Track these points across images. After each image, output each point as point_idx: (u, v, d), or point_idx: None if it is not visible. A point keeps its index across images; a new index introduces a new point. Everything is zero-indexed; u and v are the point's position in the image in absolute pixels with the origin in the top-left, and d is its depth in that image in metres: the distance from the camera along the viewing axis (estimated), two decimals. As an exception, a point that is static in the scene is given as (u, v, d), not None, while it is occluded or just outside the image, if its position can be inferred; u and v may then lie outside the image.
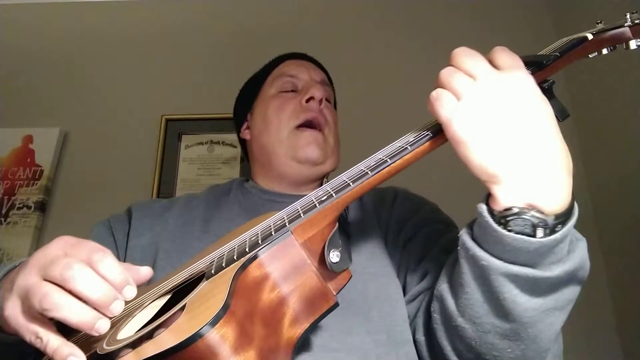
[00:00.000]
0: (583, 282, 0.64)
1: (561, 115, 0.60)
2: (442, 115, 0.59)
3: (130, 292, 0.55)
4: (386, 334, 0.78)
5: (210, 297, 0.52)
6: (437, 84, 0.62)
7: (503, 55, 0.61)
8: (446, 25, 2.19)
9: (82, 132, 2.10)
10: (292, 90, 1.09)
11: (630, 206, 1.61)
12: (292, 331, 0.57)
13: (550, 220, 0.56)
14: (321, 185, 1.09)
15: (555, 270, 0.58)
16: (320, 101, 1.06)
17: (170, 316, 0.54)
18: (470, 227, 0.65)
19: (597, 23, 0.69)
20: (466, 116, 0.58)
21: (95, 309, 0.52)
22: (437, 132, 0.62)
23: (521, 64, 0.60)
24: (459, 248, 0.65)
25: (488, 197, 0.61)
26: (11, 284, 0.56)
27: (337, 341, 0.75)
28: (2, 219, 1.92)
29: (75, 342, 0.57)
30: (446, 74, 0.61)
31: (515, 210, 0.56)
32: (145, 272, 0.64)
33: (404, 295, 0.85)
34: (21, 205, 1.94)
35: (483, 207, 0.60)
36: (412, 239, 0.89)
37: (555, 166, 0.57)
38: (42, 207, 1.94)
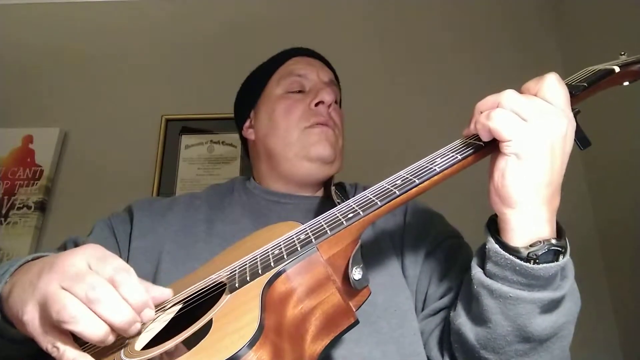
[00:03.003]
0: (578, 293, 0.69)
1: (583, 144, 0.63)
2: (506, 130, 0.60)
3: (149, 315, 0.55)
4: (395, 345, 0.79)
5: (239, 314, 0.52)
6: (501, 101, 0.62)
7: (559, 88, 0.63)
8: (447, 32, 2.20)
9: (82, 132, 2.09)
10: (300, 91, 1.07)
11: (630, 205, 1.63)
12: (313, 347, 0.57)
13: (564, 244, 0.63)
14: (325, 188, 1.09)
15: (565, 287, 0.64)
16: (329, 105, 1.06)
17: (195, 330, 0.54)
18: (480, 265, 0.69)
19: (621, 54, 0.71)
20: (530, 136, 0.60)
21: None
22: (466, 155, 0.64)
23: (568, 101, 0.63)
24: (475, 287, 0.67)
25: (490, 230, 0.66)
26: (31, 285, 0.56)
27: (346, 350, 0.75)
28: (2, 219, 1.92)
29: (90, 350, 0.58)
30: (514, 97, 0.62)
31: (542, 245, 0.61)
32: (164, 294, 0.64)
33: (424, 308, 0.86)
34: (21, 205, 1.93)
35: (497, 247, 0.64)
36: (433, 253, 0.90)
37: (558, 197, 0.64)
38: (42, 207, 1.94)
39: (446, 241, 0.92)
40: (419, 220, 0.97)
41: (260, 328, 0.48)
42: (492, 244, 0.65)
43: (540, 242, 0.61)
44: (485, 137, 0.64)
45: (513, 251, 0.62)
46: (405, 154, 1.84)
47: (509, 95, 0.62)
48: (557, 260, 0.62)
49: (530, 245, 0.62)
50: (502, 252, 0.63)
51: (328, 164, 1.03)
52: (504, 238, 0.64)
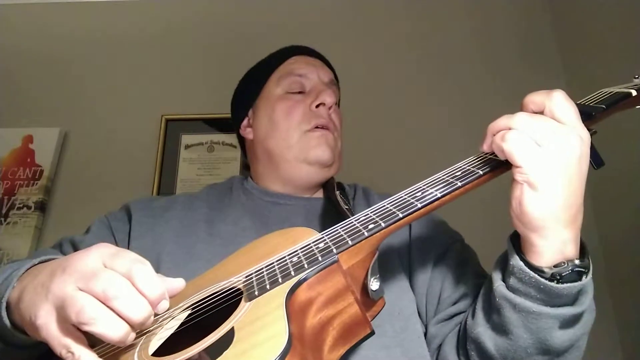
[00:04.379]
0: (594, 304, 0.69)
1: (596, 163, 0.64)
2: (518, 155, 0.60)
3: (164, 307, 0.55)
4: (400, 349, 0.79)
5: (264, 324, 0.52)
6: (514, 125, 0.62)
7: (568, 106, 0.62)
8: (450, 33, 2.21)
9: (82, 132, 2.09)
10: (300, 91, 1.07)
11: (630, 206, 1.64)
12: (330, 357, 0.57)
13: (587, 263, 0.63)
14: (324, 189, 1.09)
15: (586, 302, 0.65)
16: (330, 107, 1.05)
17: (216, 339, 0.53)
18: (502, 278, 0.69)
19: (635, 77, 0.72)
20: (543, 162, 0.60)
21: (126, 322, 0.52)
22: (487, 171, 0.64)
23: (579, 117, 0.63)
24: (497, 299, 0.68)
25: (514, 245, 0.67)
26: (44, 288, 0.55)
27: (352, 353, 0.75)
28: (2, 219, 1.91)
29: (103, 353, 0.57)
30: (526, 120, 0.62)
31: (566, 265, 0.62)
32: (179, 284, 0.63)
33: (436, 312, 0.86)
34: (21, 205, 1.93)
35: (522, 264, 0.64)
36: (443, 258, 0.90)
37: (581, 215, 0.64)
38: (42, 207, 1.94)
39: (454, 245, 0.93)
40: (425, 225, 0.97)
41: (290, 340, 0.48)
42: (516, 261, 0.65)
43: (564, 262, 0.62)
44: (502, 157, 0.64)
45: (537, 270, 0.63)
46: (405, 153, 1.88)
47: (521, 118, 0.62)
48: (580, 279, 0.63)
49: (555, 266, 0.62)
50: (527, 270, 0.63)
51: (327, 167, 1.03)
52: (528, 257, 0.65)
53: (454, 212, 1.09)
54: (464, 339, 0.77)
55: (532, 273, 0.63)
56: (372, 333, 0.60)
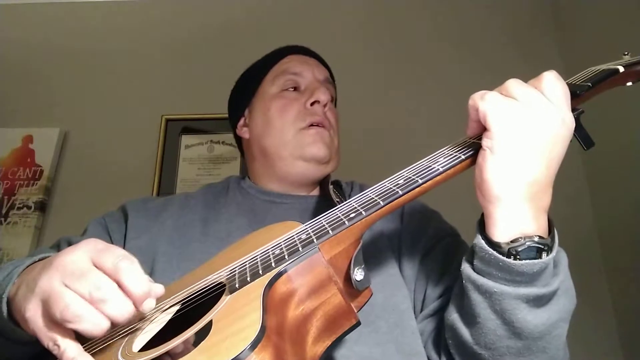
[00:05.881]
0: (573, 290, 0.68)
1: (586, 144, 0.63)
2: (492, 116, 0.60)
3: (150, 306, 0.55)
4: (394, 345, 0.78)
5: (240, 315, 0.51)
6: (500, 88, 0.63)
7: (557, 85, 0.62)
8: (446, 32, 2.20)
9: (82, 132, 2.10)
10: (295, 89, 1.07)
11: (630, 204, 1.62)
12: (314, 349, 0.56)
13: (549, 242, 0.62)
14: (321, 187, 1.08)
15: (554, 284, 0.63)
16: (325, 104, 1.05)
17: (195, 332, 0.53)
18: (469, 260, 0.68)
19: (624, 54, 0.71)
20: (514, 130, 0.59)
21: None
22: (470, 155, 0.63)
23: (567, 99, 0.62)
24: (464, 282, 0.67)
25: (481, 226, 0.65)
26: (34, 282, 0.55)
27: (346, 349, 0.75)
28: (2, 219, 1.92)
29: (90, 349, 0.58)
30: (517, 83, 0.63)
31: (523, 241, 0.61)
32: (159, 289, 0.61)
33: (423, 308, 0.85)
34: (21, 205, 1.94)
35: (483, 242, 0.63)
36: (430, 252, 0.89)
37: (545, 196, 0.62)
38: (42, 207, 1.94)
39: (443, 240, 0.91)
40: (415, 219, 0.96)
41: (262, 330, 0.47)
42: (478, 240, 0.64)
43: (521, 238, 0.61)
44: (473, 116, 0.64)
45: (496, 246, 0.62)
46: (403, 152, 1.85)
47: (511, 80, 0.62)
48: (540, 257, 0.61)
49: (512, 241, 0.61)
50: (487, 247, 0.62)
51: (323, 164, 1.03)
52: (489, 233, 0.63)
53: (456, 211, 1.08)
54: (443, 330, 0.76)
55: (490, 250, 0.62)
56: (358, 324, 0.59)
